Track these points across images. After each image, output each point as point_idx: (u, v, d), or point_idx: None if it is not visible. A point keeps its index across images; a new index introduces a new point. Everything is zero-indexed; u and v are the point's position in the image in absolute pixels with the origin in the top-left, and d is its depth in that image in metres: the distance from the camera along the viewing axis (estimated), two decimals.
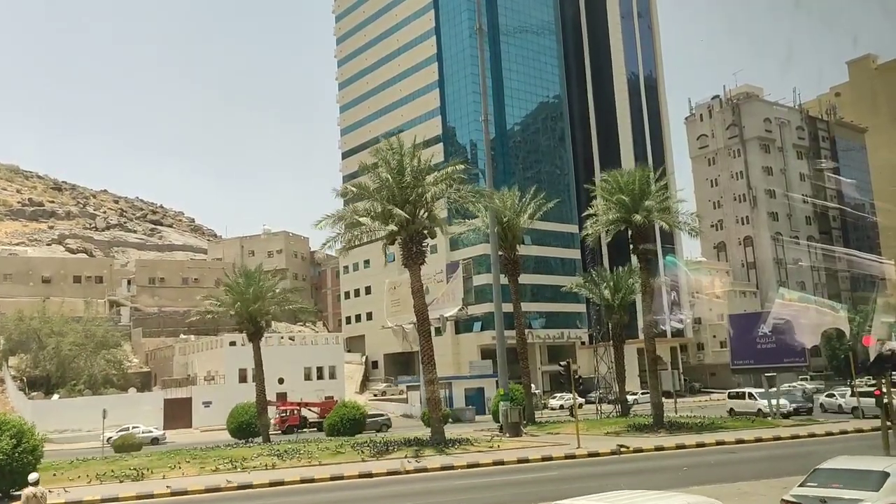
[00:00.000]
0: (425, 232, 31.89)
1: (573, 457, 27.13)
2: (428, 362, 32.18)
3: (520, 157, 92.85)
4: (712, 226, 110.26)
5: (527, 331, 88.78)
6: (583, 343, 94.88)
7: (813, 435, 32.67)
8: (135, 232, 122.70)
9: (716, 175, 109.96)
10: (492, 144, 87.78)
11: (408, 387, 79.58)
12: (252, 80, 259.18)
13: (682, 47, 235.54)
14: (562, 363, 33.45)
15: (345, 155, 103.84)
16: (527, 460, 26.62)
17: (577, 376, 38.41)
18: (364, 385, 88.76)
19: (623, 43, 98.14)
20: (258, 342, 43.53)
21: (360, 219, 31.18)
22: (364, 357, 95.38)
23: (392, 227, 31.54)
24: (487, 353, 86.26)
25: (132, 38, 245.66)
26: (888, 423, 20.01)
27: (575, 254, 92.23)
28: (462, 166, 32.45)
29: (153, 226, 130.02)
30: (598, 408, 49.84)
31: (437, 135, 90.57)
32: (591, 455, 27.33)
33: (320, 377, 75.05)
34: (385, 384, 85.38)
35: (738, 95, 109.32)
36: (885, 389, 20.05)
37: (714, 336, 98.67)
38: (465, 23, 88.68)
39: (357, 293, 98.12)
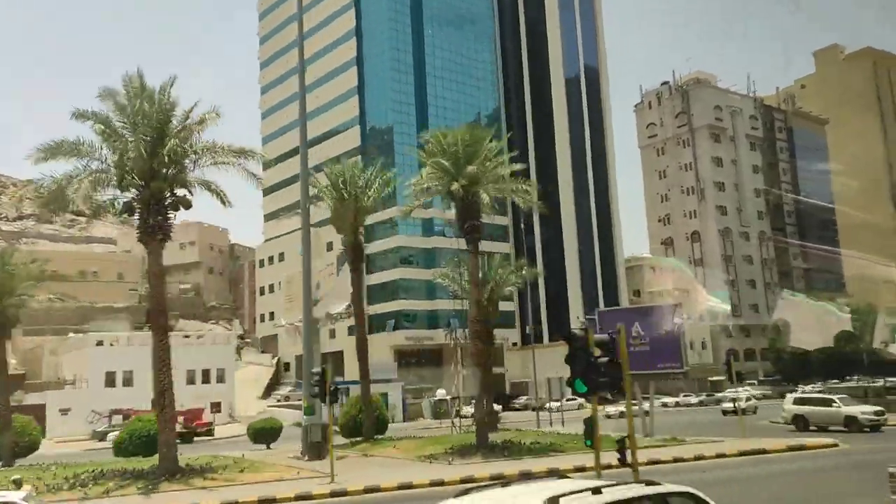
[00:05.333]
0: (168, 197, 24.73)
1: (308, 498, 20.11)
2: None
3: None
4: (660, 220, 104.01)
5: (445, 331, 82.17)
6: (514, 344, 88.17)
7: (679, 460, 25.79)
8: (52, 223, 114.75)
9: (664, 166, 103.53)
10: (414, 135, 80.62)
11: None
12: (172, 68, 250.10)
13: (640, 32, 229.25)
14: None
15: (265, 141, 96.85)
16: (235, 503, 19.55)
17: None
18: (272, 389, 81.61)
19: (561, 29, 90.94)
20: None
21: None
22: (276, 358, 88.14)
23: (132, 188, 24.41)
24: (402, 354, 79.40)
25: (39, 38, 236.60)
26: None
27: (505, 248, 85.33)
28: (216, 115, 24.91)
29: (76, 217, 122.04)
30: (458, 422, 42.51)
31: (355, 116, 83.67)
32: (334, 495, 20.31)
33: (206, 381, 67.76)
34: (290, 389, 78.22)
35: (689, 81, 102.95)
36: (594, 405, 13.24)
37: None
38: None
39: (272, 289, 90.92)
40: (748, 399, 47.55)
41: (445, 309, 79.46)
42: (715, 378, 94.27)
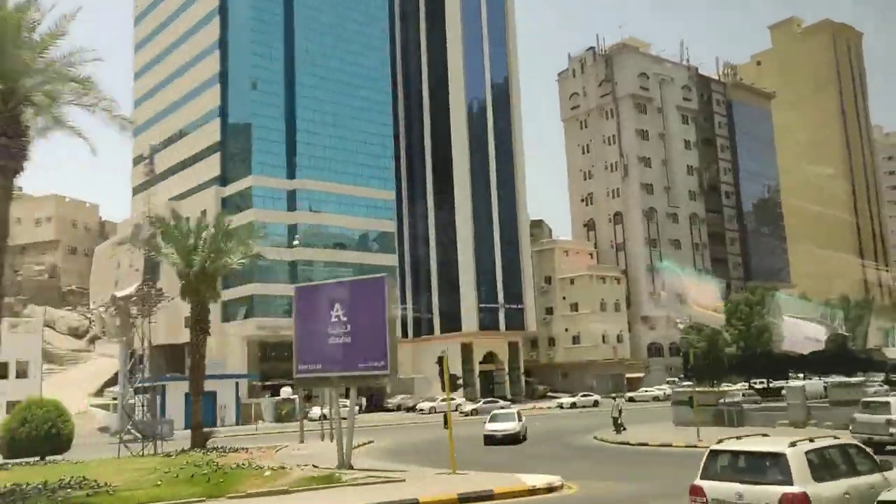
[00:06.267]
0: None
1: None
2: None
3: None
4: (583, 200, 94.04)
5: None
6: (404, 336, 78.25)
7: None
8: None
9: (587, 140, 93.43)
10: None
11: (135, 389, 62.60)
12: None
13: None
14: None
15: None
16: None
17: None
18: (113, 384, 71.35)
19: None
20: None
21: None
22: (130, 350, 77.84)
23: None
24: (268, 347, 69.20)
25: None
26: None
27: (389, 226, 75.18)
28: None
29: None
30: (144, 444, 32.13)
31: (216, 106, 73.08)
32: None
33: (3, 376, 57.39)
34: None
35: (615, 47, 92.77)
36: None
37: (566, 329, 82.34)
38: None
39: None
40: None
41: None
42: (633, 375, 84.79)
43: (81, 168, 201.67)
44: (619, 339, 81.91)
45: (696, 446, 26.60)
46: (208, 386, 55.11)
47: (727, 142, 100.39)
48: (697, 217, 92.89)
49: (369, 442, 34.46)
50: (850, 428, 22.29)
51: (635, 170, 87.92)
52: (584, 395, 67.98)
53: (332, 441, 35.24)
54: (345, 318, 23.12)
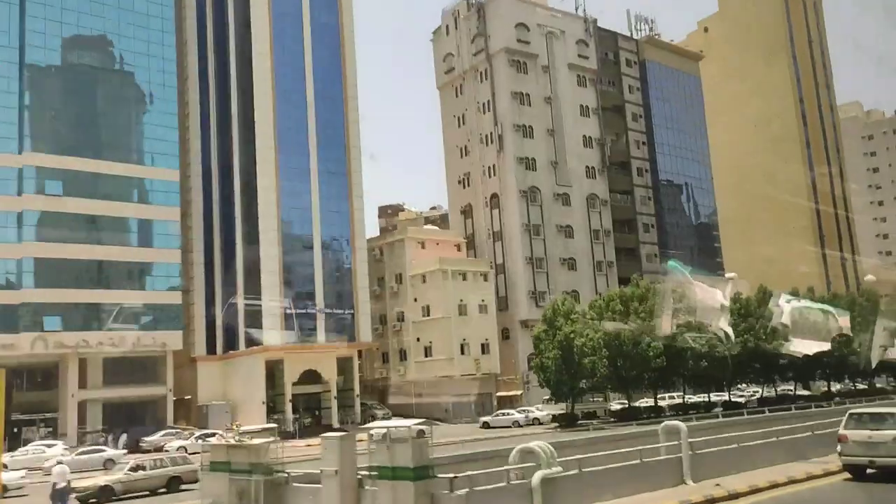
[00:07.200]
0: None
1: None
2: None
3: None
4: (459, 182, 77.86)
5: (38, 336, 56.07)
6: (212, 353, 62.34)
7: None
8: None
9: (463, 109, 77.31)
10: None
11: None
12: None
13: None
14: None
15: None
16: None
17: None
18: None
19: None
20: None
21: None
22: None
23: None
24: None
25: None
26: None
27: (171, 213, 59.12)
28: None
29: None
30: None
31: None
32: None
33: None
34: None
35: None
36: None
37: (418, 339, 65.98)
38: None
39: None
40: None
41: (37, 302, 53.28)
42: (507, 393, 68.34)
43: None
44: (485, 349, 65.47)
45: None
46: None
47: (640, 110, 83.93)
48: (598, 199, 76.35)
49: None
50: (841, 451, 18.04)
51: (511, 140, 71.64)
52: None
53: None
54: None
